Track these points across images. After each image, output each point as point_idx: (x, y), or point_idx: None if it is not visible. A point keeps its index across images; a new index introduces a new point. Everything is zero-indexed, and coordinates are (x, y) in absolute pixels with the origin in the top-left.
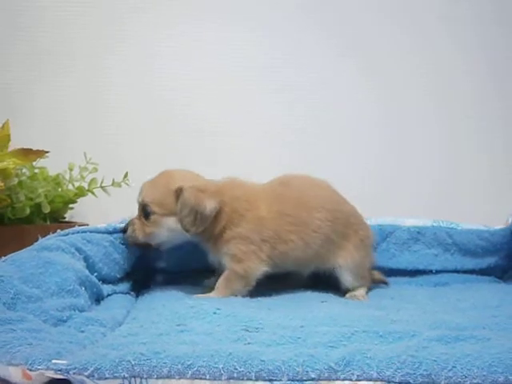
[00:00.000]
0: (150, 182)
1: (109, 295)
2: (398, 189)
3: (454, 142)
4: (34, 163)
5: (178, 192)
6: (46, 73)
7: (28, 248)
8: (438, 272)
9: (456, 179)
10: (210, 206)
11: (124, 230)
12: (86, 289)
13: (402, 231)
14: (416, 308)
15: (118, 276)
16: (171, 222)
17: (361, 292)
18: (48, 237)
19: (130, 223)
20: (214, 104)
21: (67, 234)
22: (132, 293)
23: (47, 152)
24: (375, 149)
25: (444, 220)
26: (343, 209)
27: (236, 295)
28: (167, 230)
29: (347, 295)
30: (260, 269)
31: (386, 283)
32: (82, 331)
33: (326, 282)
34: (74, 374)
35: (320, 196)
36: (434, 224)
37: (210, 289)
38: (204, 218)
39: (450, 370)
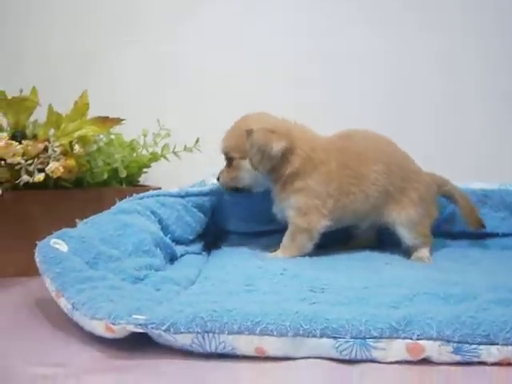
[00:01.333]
0: (228, 131)
1: (182, 255)
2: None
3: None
4: (111, 130)
5: (249, 133)
6: (118, 43)
7: (107, 211)
8: (504, 235)
9: None
10: (277, 146)
11: (218, 178)
12: (160, 249)
13: (469, 194)
14: (478, 270)
15: (190, 237)
16: (250, 164)
17: (425, 253)
18: (124, 200)
19: (219, 173)
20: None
21: (142, 198)
22: (204, 253)
23: (123, 120)
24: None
25: (511, 183)
26: (401, 163)
27: (302, 251)
28: (248, 172)
29: (412, 257)
30: (322, 223)
31: (484, 227)
32: (158, 289)
33: (391, 242)
34: (152, 328)
35: (378, 149)
36: (501, 187)
37: (278, 247)
38: (271, 157)
39: (508, 332)
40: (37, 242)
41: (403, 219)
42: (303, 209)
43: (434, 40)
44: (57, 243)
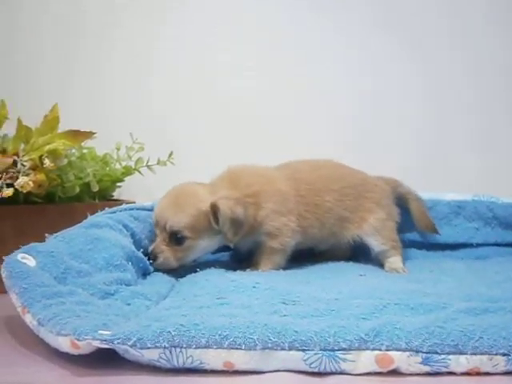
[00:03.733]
0: (170, 205)
1: (155, 270)
2: (439, 164)
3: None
4: (83, 144)
5: (215, 209)
6: (92, 55)
7: (77, 225)
8: (478, 245)
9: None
10: (246, 211)
11: (153, 259)
12: (132, 264)
13: (443, 205)
14: (453, 281)
15: None
16: (206, 241)
17: (398, 263)
18: (96, 214)
19: (157, 251)
20: (261, 88)
21: (115, 212)
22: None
23: (95, 133)
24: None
25: (484, 194)
26: (350, 183)
27: (277, 268)
28: (202, 250)
29: (386, 268)
30: (294, 239)
31: (437, 233)
32: (128, 304)
33: (366, 253)
34: (118, 343)
35: (327, 178)
36: (475, 198)
37: (251, 265)
38: (244, 224)
39: (476, 341)
40: (3, 258)
41: (366, 229)
42: (274, 232)
43: (473, 81)
44: (25, 258)
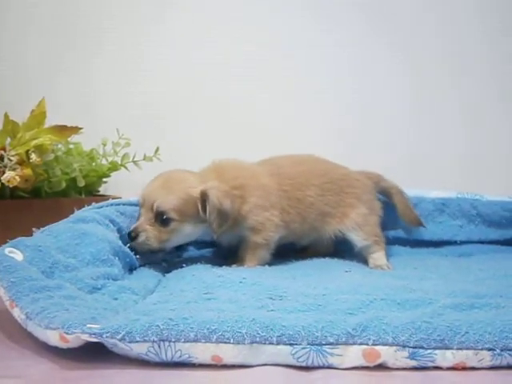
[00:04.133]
0: (160, 186)
1: (141, 265)
2: (426, 163)
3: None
4: (69, 139)
5: (204, 196)
6: (78, 50)
7: (64, 220)
8: (462, 243)
9: (481, 152)
10: (232, 204)
11: (133, 237)
12: (119, 259)
13: (427, 203)
14: (438, 277)
15: None
16: (190, 228)
17: (382, 260)
18: (83, 209)
19: (139, 229)
20: (248, 86)
21: (101, 207)
22: (164, 263)
23: (81, 128)
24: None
25: (468, 192)
26: (332, 178)
27: (262, 263)
28: (185, 235)
29: (371, 264)
30: (278, 233)
31: (423, 226)
32: (116, 299)
33: (350, 250)
34: (106, 337)
35: (308, 173)
36: (459, 196)
37: (237, 261)
38: (229, 217)
39: (462, 336)
40: None
41: (348, 224)
42: (257, 226)
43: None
44: (12, 252)
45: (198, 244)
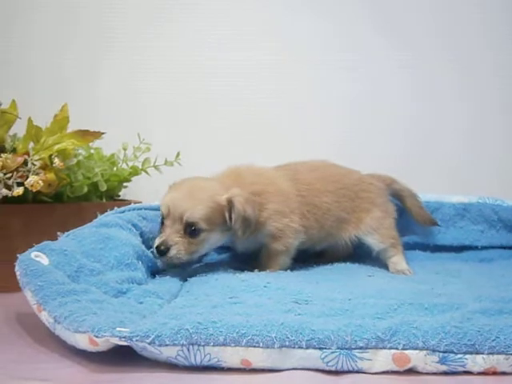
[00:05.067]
0: (186, 196)
1: (163, 270)
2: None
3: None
4: (90, 144)
5: (230, 204)
6: (100, 57)
7: (88, 224)
8: (483, 248)
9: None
10: (255, 210)
11: (163, 252)
12: (142, 263)
13: (448, 208)
14: (461, 282)
15: None
16: (218, 235)
17: (403, 265)
18: (106, 214)
19: (170, 243)
20: (264, 88)
21: (124, 211)
22: (185, 267)
23: (103, 133)
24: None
25: (489, 197)
26: (346, 184)
27: (283, 268)
28: (212, 244)
29: (391, 269)
30: (298, 239)
31: (437, 225)
32: (141, 302)
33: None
34: (136, 340)
35: (324, 179)
36: (480, 201)
37: (257, 266)
38: (253, 223)
39: (493, 341)
40: (17, 255)
41: (363, 229)
42: (277, 234)
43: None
44: (38, 256)
45: (218, 249)
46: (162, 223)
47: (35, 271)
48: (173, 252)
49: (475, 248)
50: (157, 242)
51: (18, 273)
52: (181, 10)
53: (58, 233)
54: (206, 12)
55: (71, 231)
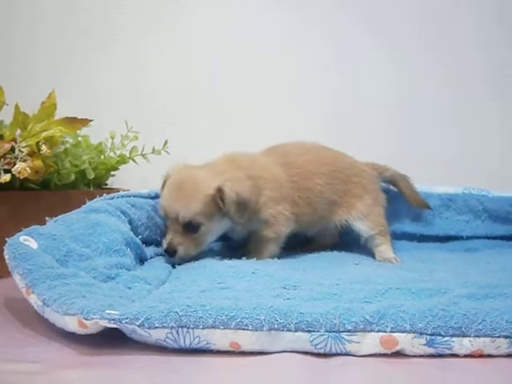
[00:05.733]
0: (177, 195)
1: (151, 257)
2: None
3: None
4: (78, 132)
5: (221, 192)
6: (88, 44)
7: (77, 210)
8: (468, 238)
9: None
10: (251, 193)
11: (172, 254)
12: (131, 249)
13: (434, 198)
14: (447, 270)
15: (159, 239)
16: (218, 223)
17: (389, 253)
18: (95, 200)
19: (175, 244)
20: (252, 80)
21: (113, 198)
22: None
23: (91, 120)
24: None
25: (475, 187)
26: (339, 166)
27: (272, 256)
28: (215, 232)
29: (378, 257)
30: (289, 227)
31: (428, 208)
32: (130, 288)
33: (358, 243)
34: (126, 323)
35: (317, 161)
36: (465, 191)
37: (246, 254)
38: (249, 205)
39: (479, 323)
40: (6, 239)
41: (354, 215)
42: (270, 220)
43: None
44: (27, 240)
45: None
46: (165, 224)
47: (24, 255)
48: (181, 252)
49: (460, 238)
50: (164, 245)
51: (6, 256)
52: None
53: (47, 218)
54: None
55: (59, 216)
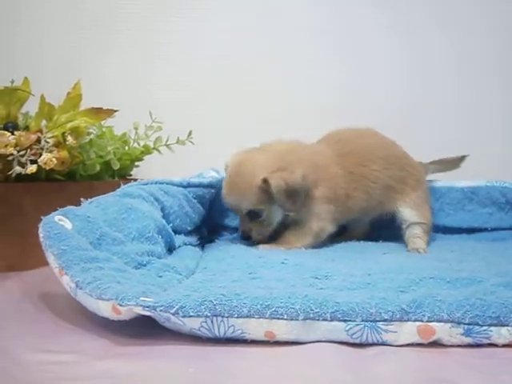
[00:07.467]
0: (234, 189)
1: (179, 246)
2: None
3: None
4: (102, 123)
5: (267, 184)
6: (114, 34)
7: (111, 193)
8: (493, 230)
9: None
10: (297, 179)
11: (246, 238)
12: (162, 237)
13: (456, 192)
14: (477, 260)
15: (189, 228)
16: (277, 206)
17: (421, 244)
18: (129, 184)
19: (247, 231)
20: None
21: (147, 184)
22: (199, 246)
23: (116, 111)
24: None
25: (497, 180)
26: (395, 152)
27: (305, 248)
28: (279, 214)
29: (409, 247)
30: (333, 228)
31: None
32: (160, 276)
33: (386, 235)
34: (160, 311)
35: (372, 147)
36: (488, 184)
37: (278, 241)
38: (299, 193)
39: None
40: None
41: (408, 203)
42: (321, 214)
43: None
44: (61, 220)
45: (232, 229)
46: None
47: (58, 235)
48: (255, 236)
49: (485, 230)
50: (240, 231)
51: (41, 235)
52: None
53: (82, 199)
54: None
55: (94, 198)
